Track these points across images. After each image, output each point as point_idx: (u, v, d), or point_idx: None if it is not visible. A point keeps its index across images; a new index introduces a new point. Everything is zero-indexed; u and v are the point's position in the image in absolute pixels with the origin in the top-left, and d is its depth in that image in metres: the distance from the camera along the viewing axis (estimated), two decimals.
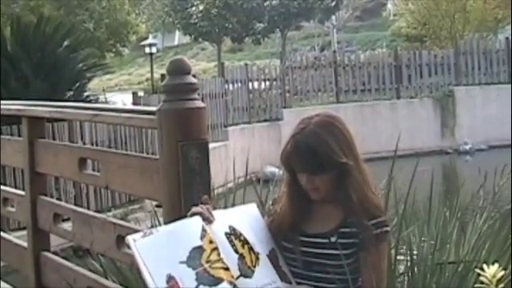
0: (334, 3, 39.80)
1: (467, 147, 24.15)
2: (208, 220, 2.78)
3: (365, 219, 2.81)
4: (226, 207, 4.03)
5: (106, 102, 18.42)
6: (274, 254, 2.90)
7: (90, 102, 16.09)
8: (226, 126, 20.68)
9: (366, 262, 2.84)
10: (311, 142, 2.82)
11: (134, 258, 2.66)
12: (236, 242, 2.81)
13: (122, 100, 21.27)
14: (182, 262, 2.65)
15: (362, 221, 2.81)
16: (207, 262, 2.68)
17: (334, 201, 2.90)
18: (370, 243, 2.81)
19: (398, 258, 4.04)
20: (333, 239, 2.86)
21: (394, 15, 40.82)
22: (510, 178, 5.13)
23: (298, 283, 2.90)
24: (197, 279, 2.63)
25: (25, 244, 4.70)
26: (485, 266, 2.34)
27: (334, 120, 2.91)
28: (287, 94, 24.36)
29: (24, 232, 4.74)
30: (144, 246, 2.68)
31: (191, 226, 2.76)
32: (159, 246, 2.68)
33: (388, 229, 2.88)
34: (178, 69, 3.12)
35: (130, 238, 2.71)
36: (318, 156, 2.80)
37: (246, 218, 2.94)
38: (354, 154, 2.87)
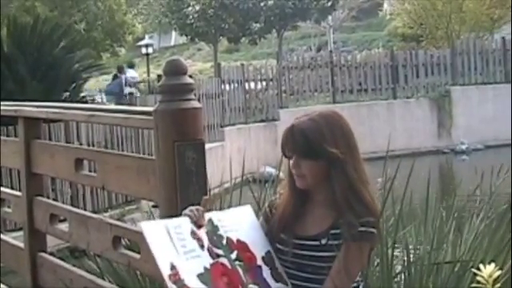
0: (330, 3, 39.73)
1: (464, 147, 24.17)
2: (197, 224, 2.81)
3: (353, 217, 2.80)
4: (222, 208, 4.03)
5: (103, 103, 18.41)
6: (269, 256, 2.91)
7: (86, 102, 16.07)
8: (222, 127, 20.67)
9: (339, 255, 2.81)
10: (306, 126, 2.88)
11: (146, 242, 2.72)
12: (227, 244, 2.83)
13: None
14: (184, 254, 2.70)
15: (350, 219, 2.81)
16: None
17: (326, 202, 2.90)
18: (350, 238, 2.80)
19: (395, 257, 4.05)
20: (323, 241, 2.86)
21: (391, 15, 40.79)
22: (506, 177, 5.12)
23: (292, 284, 2.90)
24: (198, 276, 2.67)
25: (21, 245, 4.70)
26: (481, 266, 2.34)
27: (336, 115, 2.96)
28: (283, 95, 24.37)
29: (20, 233, 4.74)
30: (153, 233, 2.73)
31: (186, 223, 2.79)
32: (163, 235, 2.73)
33: (373, 230, 2.84)
34: (175, 69, 3.12)
35: (143, 224, 2.78)
36: (308, 140, 2.85)
37: (242, 220, 2.94)
38: (350, 150, 2.88)
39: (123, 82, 23.97)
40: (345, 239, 2.80)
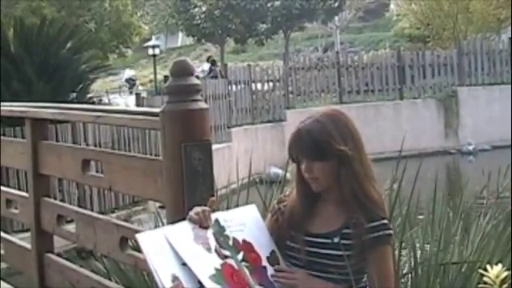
0: (336, 4, 39.79)
1: (470, 147, 24.13)
2: (202, 226, 2.80)
3: (364, 219, 2.81)
4: (228, 209, 4.02)
5: (110, 104, 18.42)
6: (274, 256, 2.91)
7: (93, 103, 16.09)
8: (229, 127, 20.64)
9: (371, 265, 2.84)
10: (312, 128, 2.88)
11: (144, 254, 2.69)
12: (234, 244, 2.82)
13: (126, 101, 21.31)
14: (184, 264, 2.66)
15: (362, 221, 2.81)
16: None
17: (336, 200, 2.91)
18: (372, 246, 2.82)
19: (402, 258, 4.04)
20: (336, 240, 2.86)
21: (397, 15, 40.76)
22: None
23: None
24: (210, 277, 2.65)
25: (28, 246, 4.71)
26: (488, 267, 2.34)
27: (339, 113, 2.96)
28: (290, 95, 24.35)
29: (28, 234, 4.75)
30: (150, 244, 2.70)
31: (187, 228, 2.78)
32: (163, 246, 2.70)
33: (390, 232, 2.89)
34: (181, 70, 3.12)
35: (138, 236, 2.74)
36: (317, 141, 2.85)
37: (247, 220, 2.94)
38: (356, 147, 2.89)
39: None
40: (368, 250, 2.82)
